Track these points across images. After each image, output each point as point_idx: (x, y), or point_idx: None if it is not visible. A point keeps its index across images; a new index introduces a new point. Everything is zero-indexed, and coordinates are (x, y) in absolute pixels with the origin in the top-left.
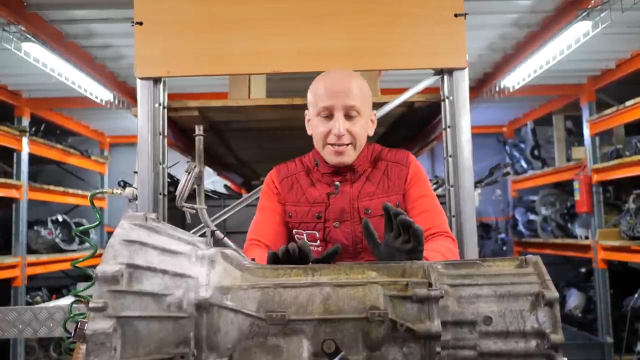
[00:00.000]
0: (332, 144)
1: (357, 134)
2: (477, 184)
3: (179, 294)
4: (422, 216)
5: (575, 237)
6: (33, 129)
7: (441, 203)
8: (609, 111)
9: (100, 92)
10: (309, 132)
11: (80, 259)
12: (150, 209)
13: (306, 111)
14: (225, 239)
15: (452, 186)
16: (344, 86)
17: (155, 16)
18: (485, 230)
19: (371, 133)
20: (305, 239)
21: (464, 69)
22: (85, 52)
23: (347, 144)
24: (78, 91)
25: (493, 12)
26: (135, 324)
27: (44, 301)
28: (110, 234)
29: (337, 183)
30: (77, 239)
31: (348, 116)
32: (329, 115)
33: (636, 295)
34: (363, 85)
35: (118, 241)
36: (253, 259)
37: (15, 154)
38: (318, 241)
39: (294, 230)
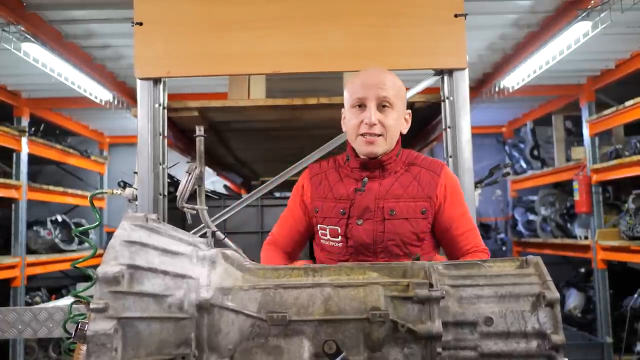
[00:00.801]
0: (363, 134)
1: (389, 126)
2: (477, 184)
3: (179, 294)
4: (464, 236)
5: (575, 237)
6: (32, 129)
7: None
8: (608, 111)
9: (99, 92)
10: (344, 129)
11: (80, 260)
12: (150, 210)
13: (342, 109)
14: (226, 239)
15: None
16: (378, 79)
17: (155, 17)
18: (484, 230)
19: (404, 131)
20: (328, 234)
21: (464, 69)
22: (85, 52)
23: (379, 135)
24: (77, 91)
25: (493, 13)
26: (136, 325)
27: (43, 301)
28: (109, 234)
29: (365, 179)
30: (76, 239)
31: (381, 108)
32: (362, 106)
33: (636, 295)
34: (397, 81)
35: (119, 242)
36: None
37: (14, 154)
38: (339, 237)
39: (318, 225)
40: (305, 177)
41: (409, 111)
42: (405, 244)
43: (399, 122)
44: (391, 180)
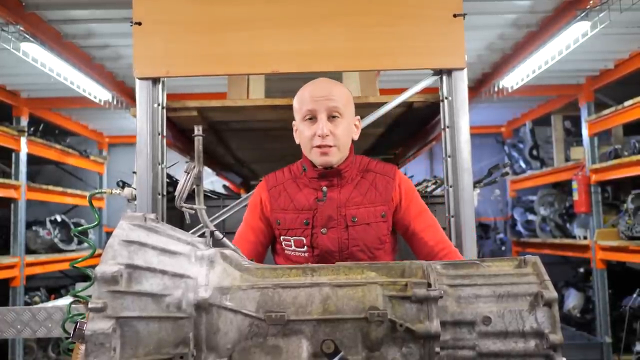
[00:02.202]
0: (318, 146)
1: (340, 136)
2: (476, 184)
3: (178, 294)
4: (426, 232)
5: (574, 237)
6: (32, 129)
7: (440, 203)
8: (607, 111)
9: (98, 92)
10: (297, 141)
11: (79, 259)
12: (149, 209)
13: (293, 122)
14: (225, 239)
15: (451, 186)
16: (326, 90)
17: (154, 16)
18: (483, 230)
19: (356, 137)
20: (293, 245)
21: (462, 69)
22: (84, 52)
23: (332, 145)
24: (77, 91)
25: (492, 13)
26: (135, 325)
27: (42, 301)
28: (108, 234)
29: (324, 188)
30: (75, 239)
31: (331, 119)
32: (313, 118)
33: (634, 295)
34: (345, 91)
35: (117, 241)
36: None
37: (13, 154)
38: (305, 247)
39: (282, 237)
40: (262, 189)
41: (358, 117)
42: (369, 248)
43: (350, 130)
44: (350, 188)
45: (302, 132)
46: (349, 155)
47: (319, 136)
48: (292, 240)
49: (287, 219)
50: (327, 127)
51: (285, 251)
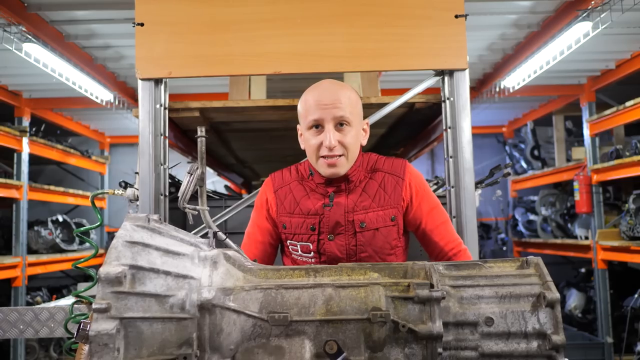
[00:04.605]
0: (324, 156)
1: (349, 145)
2: (477, 184)
3: (181, 295)
4: (437, 231)
5: (575, 237)
6: (33, 129)
7: (442, 204)
8: (608, 111)
9: (100, 93)
10: (302, 147)
11: (82, 260)
12: (151, 210)
13: (298, 125)
14: (228, 240)
15: (452, 187)
16: (333, 97)
17: (157, 17)
18: (485, 230)
19: (364, 142)
20: (299, 250)
21: (464, 70)
22: (86, 52)
23: (340, 155)
24: (78, 91)
25: (493, 13)
26: (138, 325)
27: (44, 301)
28: (110, 234)
29: (331, 193)
30: (77, 239)
31: (339, 127)
32: (319, 127)
33: (636, 296)
34: (352, 95)
35: (121, 242)
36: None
37: (15, 154)
38: (312, 253)
39: (288, 242)
40: (268, 189)
41: (367, 120)
42: (379, 254)
43: (358, 137)
44: (358, 192)
45: (307, 140)
46: (357, 158)
47: (327, 147)
48: (298, 246)
49: (293, 223)
50: (334, 138)
51: (293, 255)
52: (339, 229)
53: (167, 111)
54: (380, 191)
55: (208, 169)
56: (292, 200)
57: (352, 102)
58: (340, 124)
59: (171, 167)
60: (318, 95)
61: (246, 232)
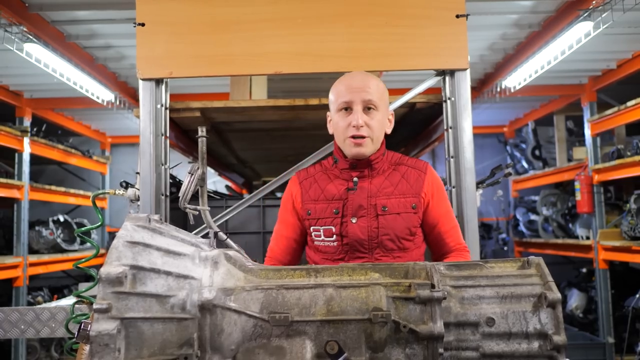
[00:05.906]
0: (352, 136)
1: (375, 128)
2: (478, 184)
3: (182, 295)
4: (449, 233)
5: (577, 237)
6: (34, 129)
7: None
8: (610, 111)
9: (101, 93)
10: (331, 132)
11: (83, 260)
12: (152, 210)
13: (328, 112)
14: (228, 240)
15: (454, 187)
16: (362, 83)
17: (158, 17)
18: (486, 230)
19: (389, 131)
20: (322, 235)
21: (465, 69)
22: (87, 52)
23: (366, 136)
24: (79, 91)
25: (494, 13)
26: (139, 325)
27: (45, 301)
28: (111, 234)
29: (355, 179)
30: (78, 239)
31: (366, 111)
32: (348, 109)
33: (637, 296)
34: (380, 84)
35: (122, 243)
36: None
37: (16, 154)
38: (334, 236)
39: (312, 227)
40: (294, 183)
41: (392, 112)
42: (399, 238)
43: (384, 123)
44: (381, 178)
45: (336, 123)
46: (380, 148)
47: (354, 126)
48: (321, 230)
49: (318, 209)
50: (362, 118)
51: (315, 242)
52: (361, 211)
53: (168, 111)
54: (402, 181)
55: (209, 169)
56: (316, 188)
57: (380, 90)
58: (368, 107)
59: (172, 167)
60: (349, 80)
61: (274, 229)
